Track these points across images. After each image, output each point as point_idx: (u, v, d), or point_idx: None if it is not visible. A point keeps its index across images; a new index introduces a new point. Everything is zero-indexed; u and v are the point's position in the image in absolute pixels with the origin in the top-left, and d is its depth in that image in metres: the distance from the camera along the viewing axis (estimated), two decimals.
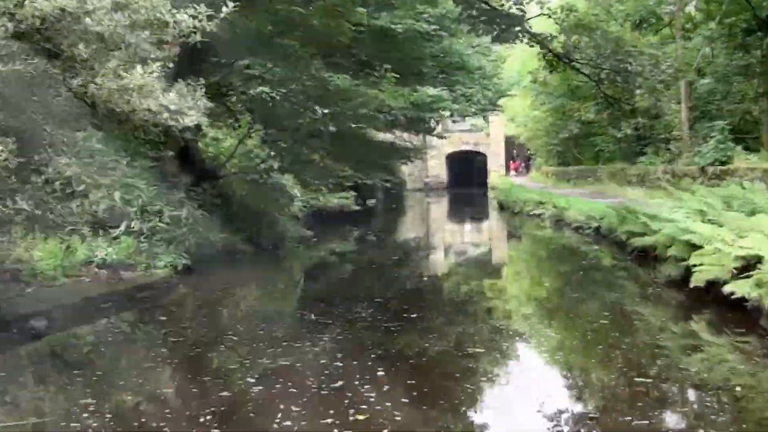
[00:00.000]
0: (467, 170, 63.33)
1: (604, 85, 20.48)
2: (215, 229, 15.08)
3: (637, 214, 12.92)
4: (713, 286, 8.34)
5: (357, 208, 25.52)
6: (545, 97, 32.15)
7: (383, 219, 29.36)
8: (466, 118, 26.37)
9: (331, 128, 23.18)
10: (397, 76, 22.91)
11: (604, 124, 29.40)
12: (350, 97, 17.49)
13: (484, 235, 22.96)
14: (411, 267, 15.73)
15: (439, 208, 38.87)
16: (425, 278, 13.81)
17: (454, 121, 57.87)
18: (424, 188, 54.30)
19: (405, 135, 47.98)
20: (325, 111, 16.90)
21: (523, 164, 51.84)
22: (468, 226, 25.08)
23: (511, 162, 53.09)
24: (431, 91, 23.61)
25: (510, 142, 56.38)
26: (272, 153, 17.34)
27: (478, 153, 56.37)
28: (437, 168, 55.24)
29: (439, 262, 16.51)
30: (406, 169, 51.85)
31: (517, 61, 38.07)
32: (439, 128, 51.97)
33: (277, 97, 15.93)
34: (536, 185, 37.86)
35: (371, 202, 26.34)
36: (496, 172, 53.76)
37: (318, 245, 18.60)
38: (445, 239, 21.31)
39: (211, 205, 15.49)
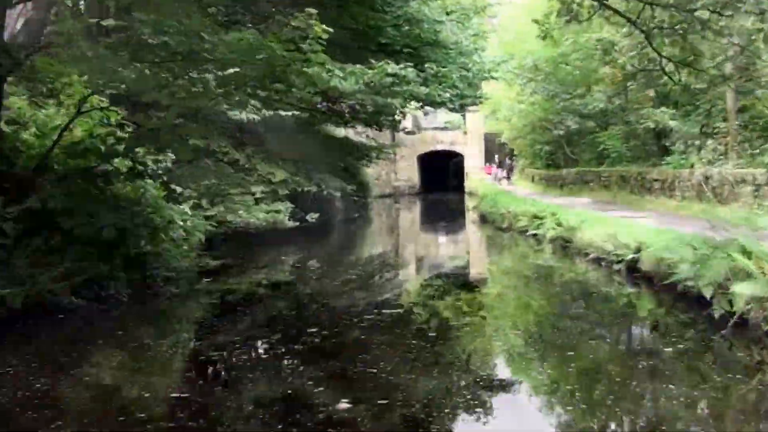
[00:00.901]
0: (442, 173, 57.45)
1: (659, 40, 14.12)
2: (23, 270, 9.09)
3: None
4: None
5: (293, 224, 19.39)
6: (535, 84, 26.29)
7: (338, 235, 23.25)
8: (440, 108, 20.22)
9: (247, 115, 17.22)
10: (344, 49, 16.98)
11: (617, 114, 23.58)
12: (262, 64, 11.38)
13: (463, 269, 16.94)
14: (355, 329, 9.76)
15: (409, 219, 32.90)
16: (377, 345, 7.85)
17: (425, 113, 52.06)
18: (394, 193, 48.34)
19: (370, 132, 42.22)
20: (219, 75, 10.70)
21: (501, 168, 43.98)
22: (442, 250, 19.03)
23: (486, 164, 45.96)
24: (391, 68, 17.76)
25: (490, 141, 50.66)
26: (137, 147, 11.17)
27: (455, 153, 50.58)
28: (408, 170, 49.33)
29: (395, 310, 10.53)
30: (372, 172, 45.98)
31: (506, 32, 32.15)
32: (408, 124, 46.43)
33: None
34: (522, 191, 32.06)
35: (312, 216, 20.15)
36: (475, 175, 48.01)
37: (228, 280, 12.62)
38: (410, 271, 15.26)
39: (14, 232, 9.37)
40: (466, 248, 18.71)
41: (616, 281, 11.22)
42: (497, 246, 18.07)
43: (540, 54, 26.17)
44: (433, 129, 50.48)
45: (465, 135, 48.84)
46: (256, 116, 17.22)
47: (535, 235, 17.23)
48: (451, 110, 21.00)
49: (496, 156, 41.98)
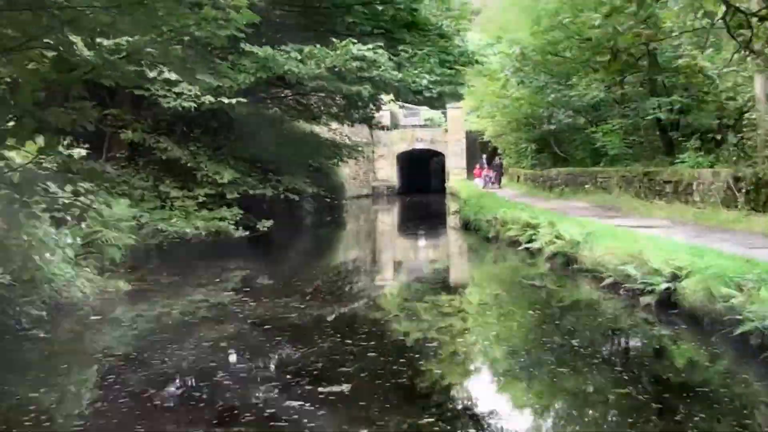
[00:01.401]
0: (422, 173, 54.68)
1: None
2: None
3: None
4: None
5: (243, 234, 16.31)
6: (524, 74, 23.44)
7: (302, 245, 20.25)
8: (417, 96, 17.35)
9: (182, 103, 14.35)
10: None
11: (614, 106, 20.91)
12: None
13: (443, 294, 14.03)
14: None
15: (385, 224, 30.07)
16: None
17: (402, 106, 49.18)
18: (372, 194, 45.47)
19: (347, 129, 39.38)
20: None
21: (489, 169, 36.42)
22: (419, 267, 16.02)
23: (477, 167, 38.04)
24: (357, 48, 14.88)
25: (472, 140, 47.96)
26: None
27: (435, 152, 47.83)
28: (387, 170, 46.47)
29: (361, 341, 7.58)
30: (349, 172, 43.07)
31: (491, 23, 29.44)
32: (385, 119, 43.67)
33: None
34: (507, 192, 29.36)
35: (263, 225, 17.05)
36: (457, 175, 45.27)
37: (143, 307, 9.73)
38: (377, 295, 12.25)
39: None
40: (446, 264, 15.73)
41: (643, 319, 8.43)
42: (484, 262, 15.25)
43: (528, 43, 23.45)
44: (412, 127, 47.73)
45: (446, 133, 46.10)
46: (192, 104, 14.27)
47: (527, 248, 14.47)
48: (429, 99, 18.14)
49: (484, 156, 38.16)
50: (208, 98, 14.30)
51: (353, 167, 43.63)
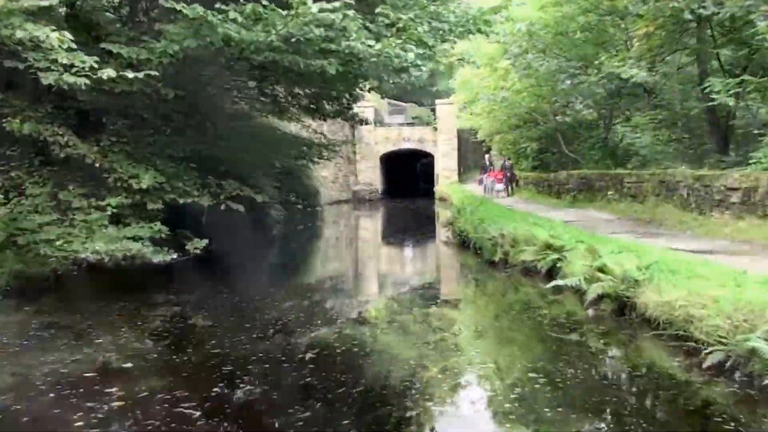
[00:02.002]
0: (409, 175, 50.72)
1: None
2: None
3: None
4: None
5: (169, 258, 12.14)
6: (533, 55, 19.41)
7: (257, 267, 16.01)
8: (401, 75, 13.35)
9: (68, 79, 10.29)
10: None
11: (646, 93, 17.00)
12: None
13: (437, 365, 9.88)
14: None
15: (363, 237, 26.02)
16: None
17: (388, 103, 44.91)
18: (353, 198, 41.43)
19: (326, 127, 35.33)
20: None
21: (500, 174, 28.65)
22: (404, 310, 11.81)
23: (491, 171, 29.61)
24: (319, 7, 10.82)
25: (464, 139, 44.09)
26: None
27: (424, 153, 43.87)
28: (369, 172, 42.42)
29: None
30: (327, 174, 39.01)
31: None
32: (366, 111, 39.76)
33: None
34: (507, 200, 25.52)
35: (196, 245, 12.73)
36: (447, 178, 41.41)
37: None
38: (346, 350, 8.14)
39: None
40: (441, 303, 11.25)
41: None
42: (492, 300, 11.04)
43: (536, 18, 19.55)
44: (398, 125, 43.76)
45: (435, 131, 42.14)
46: (85, 80, 10.17)
47: (548, 274, 10.57)
48: (417, 79, 14.04)
49: (486, 157, 31.96)
50: (108, 72, 10.19)
51: (332, 169, 39.60)
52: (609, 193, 17.83)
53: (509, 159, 29.60)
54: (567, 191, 22.29)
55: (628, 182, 16.88)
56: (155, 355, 7.23)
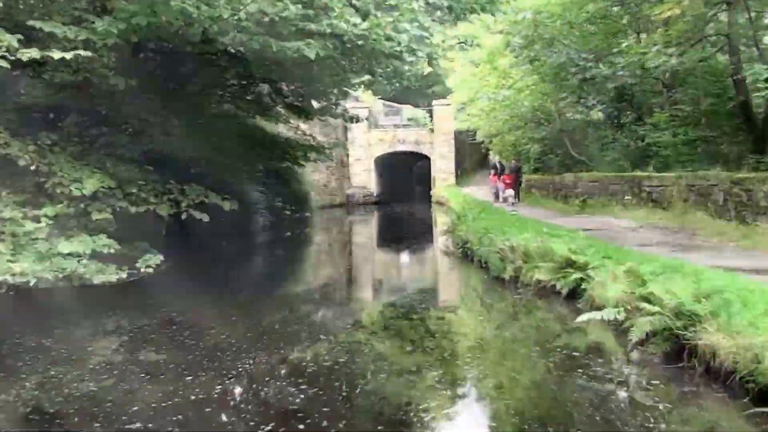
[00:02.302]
0: (405, 179, 48.99)
1: None
2: None
3: None
4: None
5: (115, 278, 10.14)
6: (540, 46, 17.48)
7: (233, 279, 14.03)
8: (391, 60, 11.50)
9: None
10: None
11: (668, 87, 15.14)
12: None
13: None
14: None
15: (356, 246, 24.19)
16: None
17: (383, 103, 42.94)
18: (346, 203, 39.56)
19: (318, 128, 33.54)
20: None
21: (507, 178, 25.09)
22: (403, 327, 9.89)
23: (505, 176, 25.32)
24: None
25: (461, 141, 42.30)
26: None
27: (420, 155, 42.00)
28: (364, 176, 40.54)
29: None
30: (320, 178, 37.12)
31: None
32: (360, 112, 37.91)
33: None
34: (506, 206, 23.74)
35: (147, 262, 10.68)
36: (444, 181, 39.59)
37: None
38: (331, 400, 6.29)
39: None
40: (445, 334, 9.28)
41: None
42: (505, 334, 9.07)
43: (543, 5, 17.72)
44: (393, 126, 41.91)
45: (431, 133, 40.29)
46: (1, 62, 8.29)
47: (570, 295, 8.75)
48: (412, 71, 12.18)
49: (493, 157, 28.12)
50: (31, 53, 8.31)
51: (324, 173, 37.75)
52: (626, 198, 15.98)
53: (519, 162, 26.64)
54: (575, 195, 20.46)
55: (648, 186, 15.02)
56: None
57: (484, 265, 12.29)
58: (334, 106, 18.35)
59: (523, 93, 25.14)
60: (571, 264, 9.56)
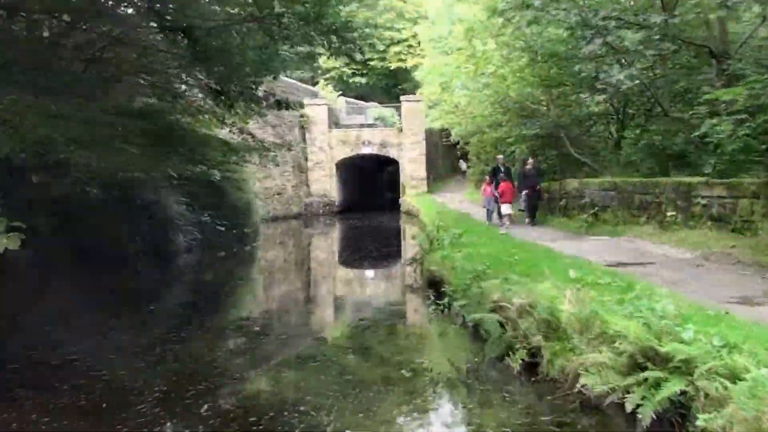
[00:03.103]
0: (370, 185, 44.19)
1: None
2: None
3: None
4: None
5: None
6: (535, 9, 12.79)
7: (105, 334, 9.07)
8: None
9: None
10: None
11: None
12: None
13: None
14: None
15: (306, 271, 19.31)
16: None
17: (346, 100, 37.41)
18: (304, 213, 34.68)
19: (270, 129, 28.83)
20: None
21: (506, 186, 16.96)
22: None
23: (504, 183, 16.97)
24: None
25: (432, 143, 37.75)
26: None
27: (388, 159, 37.28)
28: (324, 182, 35.64)
29: None
30: (273, 185, 32.13)
31: None
32: (317, 110, 33.00)
33: None
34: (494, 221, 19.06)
35: None
36: (414, 188, 34.93)
37: None
38: None
39: None
40: None
41: None
42: None
43: None
44: (358, 126, 37.12)
45: (400, 133, 35.58)
46: None
47: (656, 424, 4.10)
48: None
49: (499, 159, 19.55)
50: None
51: (278, 179, 32.83)
52: (668, 214, 11.33)
53: (536, 163, 18.42)
54: (581, 207, 15.88)
55: (706, 196, 10.45)
56: None
57: (471, 327, 7.56)
58: (253, 86, 13.46)
59: (507, 81, 20.58)
60: (652, 357, 4.87)
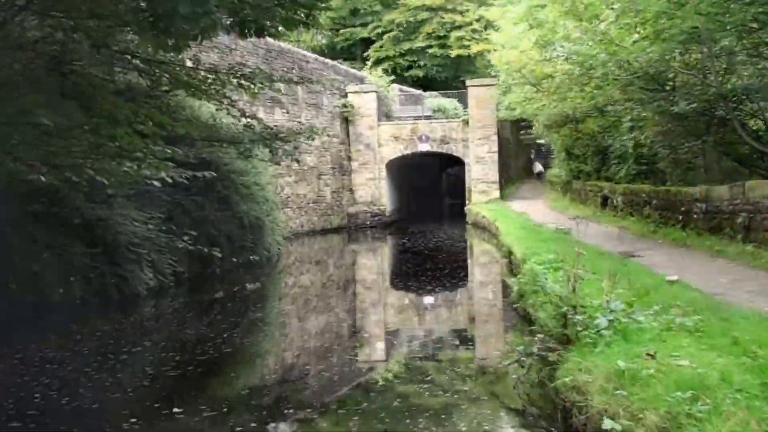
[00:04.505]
0: (430, 190, 37.55)
1: None
2: None
3: None
4: None
5: None
6: None
7: None
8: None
9: None
10: None
11: None
12: None
13: None
14: None
15: (331, 329, 12.70)
16: None
17: (399, 88, 29.62)
18: (347, 225, 28.44)
19: (303, 117, 23.03)
20: None
21: None
22: None
23: None
24: None
25: (504, 137, 31.12)
26: None
27: (450, 158, 30.67)
28: (371, 186, 29.20)
29: None
30: (305, 192, 25.92)
31: None
32: (365, 98, 27.17)
33: None
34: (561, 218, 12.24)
35: None
36: (483, 193, 28.28)
37: None
38: None
39: None
40: None
41: None
42: None
43: None
44: (413, 119, 30.59)
45: (465, 127, 28.87)
46: None
47: None
48: None
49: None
50: None
51: (314, 182, 26.60)
52: None
53: None
54: (733, 228, 9.01)
55: None
56: None
57: None
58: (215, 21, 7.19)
59: (629, 39, 13.77)
60: None
